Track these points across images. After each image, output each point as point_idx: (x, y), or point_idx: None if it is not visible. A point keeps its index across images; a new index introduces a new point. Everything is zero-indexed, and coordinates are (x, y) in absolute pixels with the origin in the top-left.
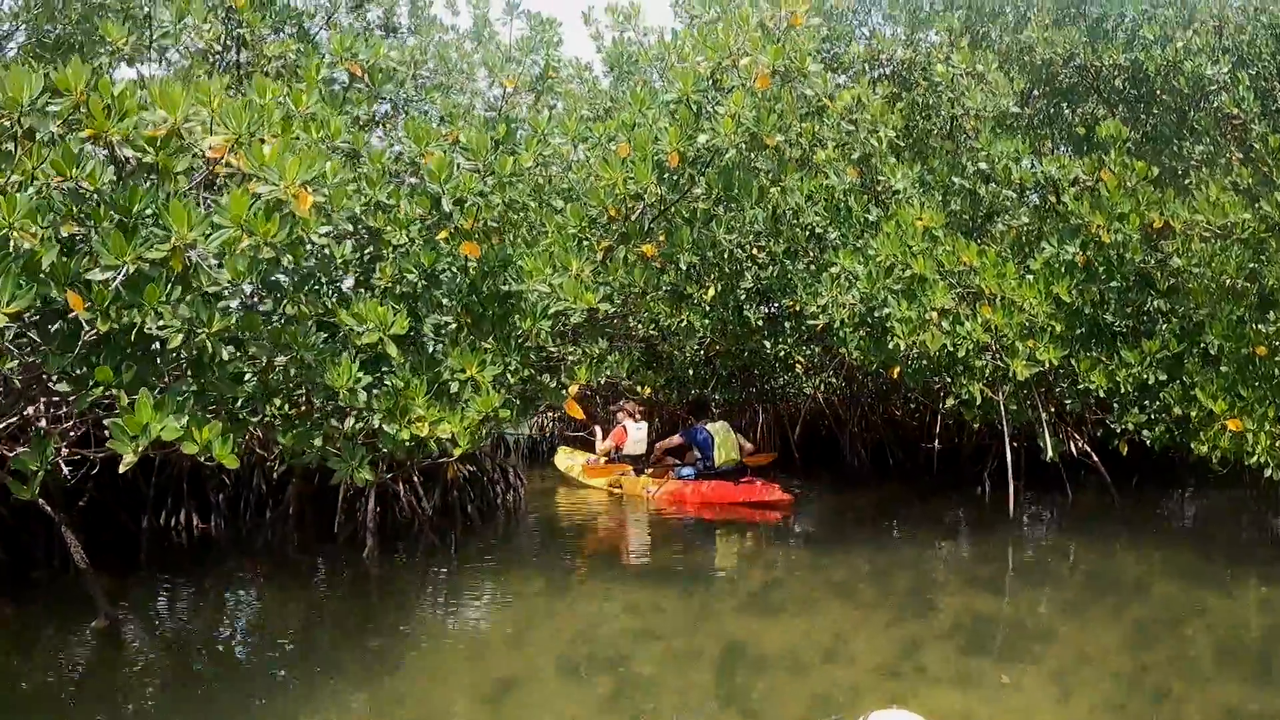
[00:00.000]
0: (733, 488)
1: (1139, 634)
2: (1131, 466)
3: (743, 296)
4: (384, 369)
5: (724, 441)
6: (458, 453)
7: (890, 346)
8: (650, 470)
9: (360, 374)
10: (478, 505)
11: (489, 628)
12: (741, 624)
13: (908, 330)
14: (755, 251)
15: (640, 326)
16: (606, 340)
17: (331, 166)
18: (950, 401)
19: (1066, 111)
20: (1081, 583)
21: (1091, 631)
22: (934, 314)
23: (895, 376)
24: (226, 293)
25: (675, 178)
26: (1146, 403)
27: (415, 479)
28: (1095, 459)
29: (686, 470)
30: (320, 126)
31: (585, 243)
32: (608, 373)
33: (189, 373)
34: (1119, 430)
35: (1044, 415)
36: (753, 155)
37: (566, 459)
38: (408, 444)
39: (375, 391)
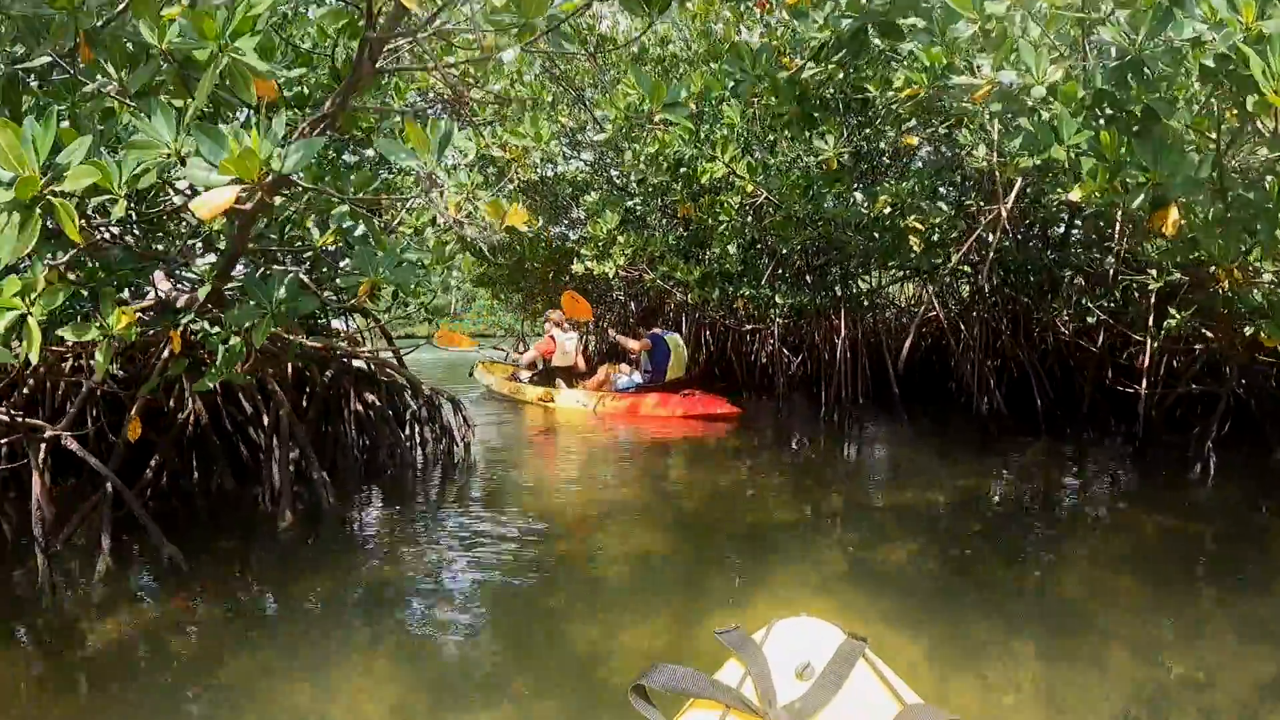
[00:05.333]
0: (679, 400)
1: None
2: None
3: (797, 96)
4: None
5: (679, 355)
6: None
7: (1232, 121)
8: (588, 383)
9: None
10: (364, 464)
11: None
12: None
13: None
14: None
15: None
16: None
17: None
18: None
19: None
20: None
21: None
22: None
23: (1170, 232)
24: None
25: None
26: None
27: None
28: None
29: (625, 381)
30: None
31: None
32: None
33: None
34: None
35: None
36: None
37: (487, 373)
38: None
39: None
